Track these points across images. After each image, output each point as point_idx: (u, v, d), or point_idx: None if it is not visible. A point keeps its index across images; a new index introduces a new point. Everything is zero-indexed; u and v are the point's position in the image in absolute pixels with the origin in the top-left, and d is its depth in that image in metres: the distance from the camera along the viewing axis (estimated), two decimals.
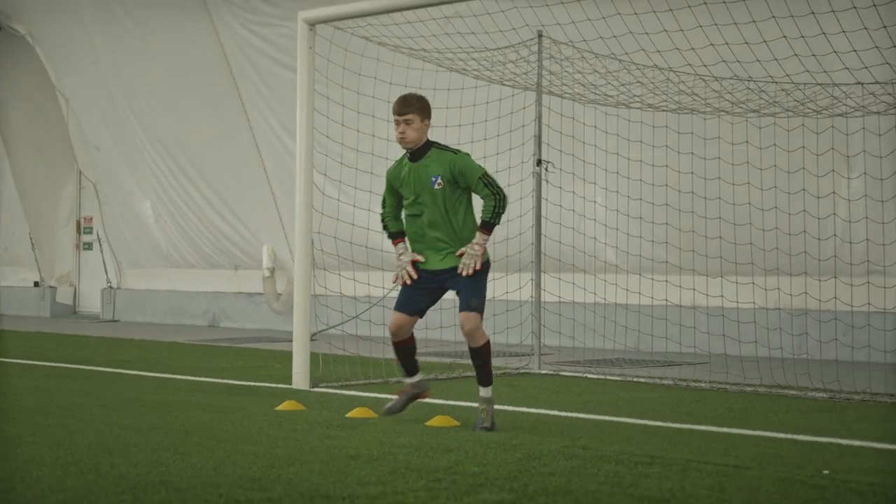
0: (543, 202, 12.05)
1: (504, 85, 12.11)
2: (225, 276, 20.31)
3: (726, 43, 10.40)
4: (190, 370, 12.00)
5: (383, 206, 7.86)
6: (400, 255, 7.75)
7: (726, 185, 12.63)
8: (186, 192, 20.22)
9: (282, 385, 10.44)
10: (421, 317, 7.91)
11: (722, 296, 12.65)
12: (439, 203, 7.49)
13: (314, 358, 10.71)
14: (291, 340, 10.62)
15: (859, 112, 10.87)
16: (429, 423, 7.99)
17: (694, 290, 12.91)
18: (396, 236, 7.82)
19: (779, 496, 5.53)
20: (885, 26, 9.50)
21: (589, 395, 10.01)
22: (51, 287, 23.66)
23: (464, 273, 7.47)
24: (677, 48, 10.34)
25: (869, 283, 11.87)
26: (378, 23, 10.89)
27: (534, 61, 11.81)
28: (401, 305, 7.80)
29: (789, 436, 7.61)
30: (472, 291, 7.56)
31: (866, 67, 10.10)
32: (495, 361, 12.66)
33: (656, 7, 10.41)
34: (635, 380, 11.07)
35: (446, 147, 7.59)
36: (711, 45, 10.29)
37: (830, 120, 11.81)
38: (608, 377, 11.30)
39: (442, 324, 11.31)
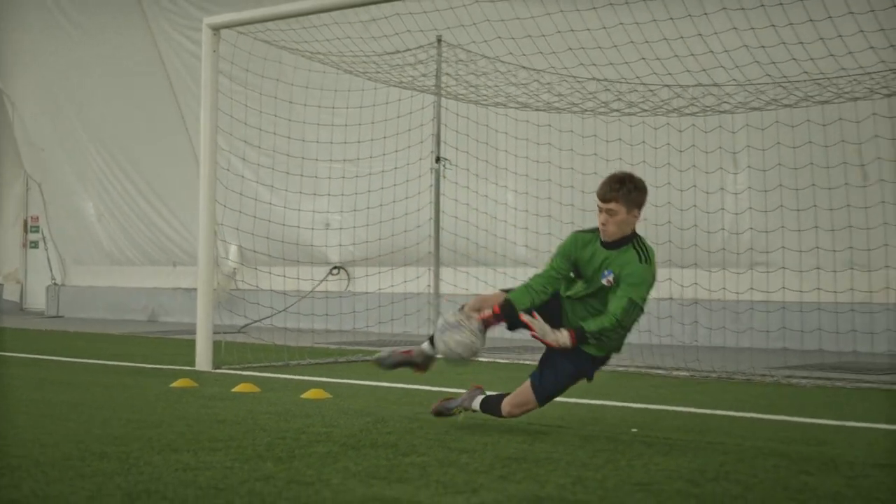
0: (454, 202, 12.81)
1: (403, 87, 12.85)
2: (164, 272, 20.97)
3: (614, 46, 11.19)
4: (109, 356, 12.63)
5: (547, 270, 6.65)
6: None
7: None
8: (127, 191, 20.89)
9: (187, 367, 11.10)
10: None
11: None
12: (599, 300, 6.54)
13: (218, 343, 11.38)
14: (219, 332, 11.35)
15: (742, 109, 11.65)
16: (303, 395, 8.70)
17: None
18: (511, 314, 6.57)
19: (575, 447, 6.28)
20: (752, 28, 10.31)
21: (469, 374, 10.72)
22: None
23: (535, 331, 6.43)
24: (552, 51, 11.11)
25: (752, 270, 12.68)
26: (277, 27, 11.60)
27: (433, 64, 12.55)
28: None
29: (625, 404, 8.36)
30: (553, 369, 6.71)
31: (737, 67, 10.89)
32: (396, 347, 13.37)
33: (550, 9, 11.17)
34: (519, 362, 11.81)
35: (645, 247, 6.44)
36: (599, 48, 11.05)
37: (718, 119, 12.60)
38: (497, 360, 12.03)
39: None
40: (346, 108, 13.59)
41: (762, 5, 10.45)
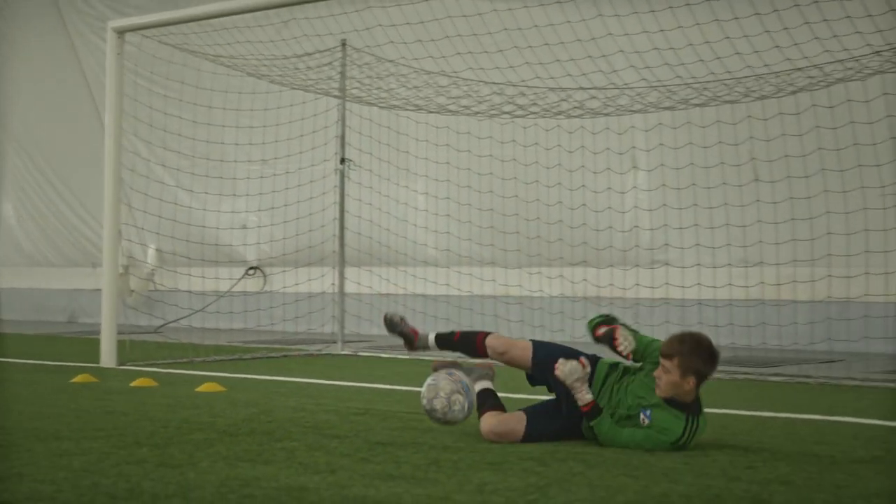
0: (358, 202, 13.12)
1: (308, 91, 13.18)
2: (83, 273, 21.08)
3: (500, 51, 11.62)
4: (20, 354, 12.77)
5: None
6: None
7: (521, 184, 13.88)
8: (45, 193, 21.00)
9: (93, 364, 11.30)
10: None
11: (520, 286, 13.84)
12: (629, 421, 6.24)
13: (123, 341, 11.61)
14: (136, 332, 11.54)
15: (621, 111, 12.11)
16: (198, 388, 8.98)
17: (494, 281, 14.12)
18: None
19: (444, 434, 6.62)
20: (627, 34, 10.80)
21: (365, 368, 11.10)
22: None
23: (559, 371, 6.26)
24: (442, 56, 11.51)
25: (639, 267, 13.16)
26: (180, 31, 11.86)
27: (338, 67, 12.90)
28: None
29: (504, 395, 8.69)
30: (547, 418, 6.53)
31: (615, 71, 11.36)
32: (303, 345, 13.66)
33: (438, 14, 11.56)
34: (418, 358, 12.16)
35: (697, 426, 6.10)
36: (486, 52, 11.46)
37: (605, 121, 13.05)
38: (397, 356, 12.38)
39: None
40: (251, 111, 13.92)
41: (635, 12, 10.92)
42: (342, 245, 13.27)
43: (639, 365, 6.35)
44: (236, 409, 7.75)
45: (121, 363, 11.29)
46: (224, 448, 6.06)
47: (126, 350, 11.64)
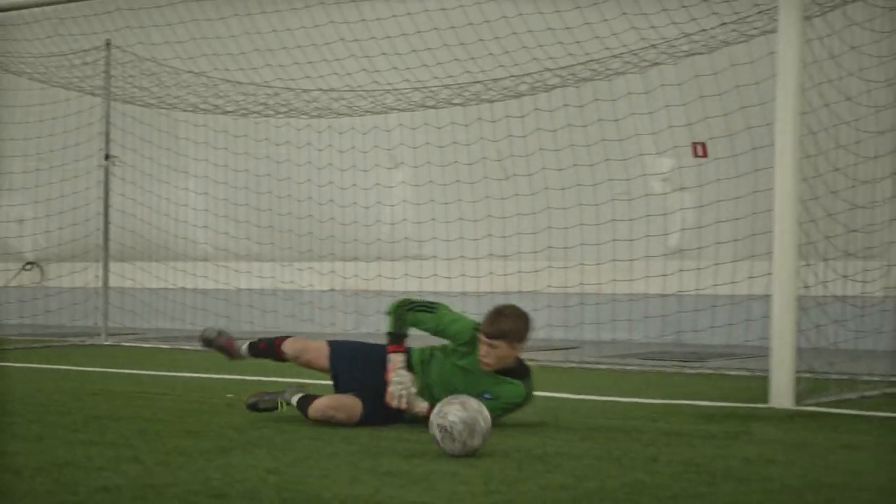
0: (122, 197, 13.51)
1: (69, 89, 13.53)
2: None
3: (269, 49, 12.23)
4: None
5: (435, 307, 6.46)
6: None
7: (274, 180, 14.51)
8: None
9: None
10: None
11: (293, 281, 14.45)
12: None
13: None
14: None
15: (364, 111, 12.86)
16: None
17: (273, 276, 14.70)
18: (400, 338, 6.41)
19: (169, 412, 7.14)
20: (388, 36, 11.52)
21: (122, 357, 11.55)
22: None
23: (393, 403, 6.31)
24: (190, 57, 12.02)
25: (406, 256, 13.90)
26: None
27: (101, 66, 13.28)
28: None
29: (243, 377, 9.30)
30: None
31: (378, 71, 12.09)
32: (71, 336, 13.95)
33: (183, 17, 12.05)
34: (179, 347, 12.65)
35: (527, 372, 6.43)
36: (230, 54, 12.01)
37: (373, 120, 13.74)
38: (159, 346, 12.82)
39: None
40: (13, 107, 14.19)
41: (394, 16, 11.66)
42: (107, 240, 13.65)
43: (445, 346, 6.47)
44: (23, 392, 8.06)
45: None
46: None
47: None
